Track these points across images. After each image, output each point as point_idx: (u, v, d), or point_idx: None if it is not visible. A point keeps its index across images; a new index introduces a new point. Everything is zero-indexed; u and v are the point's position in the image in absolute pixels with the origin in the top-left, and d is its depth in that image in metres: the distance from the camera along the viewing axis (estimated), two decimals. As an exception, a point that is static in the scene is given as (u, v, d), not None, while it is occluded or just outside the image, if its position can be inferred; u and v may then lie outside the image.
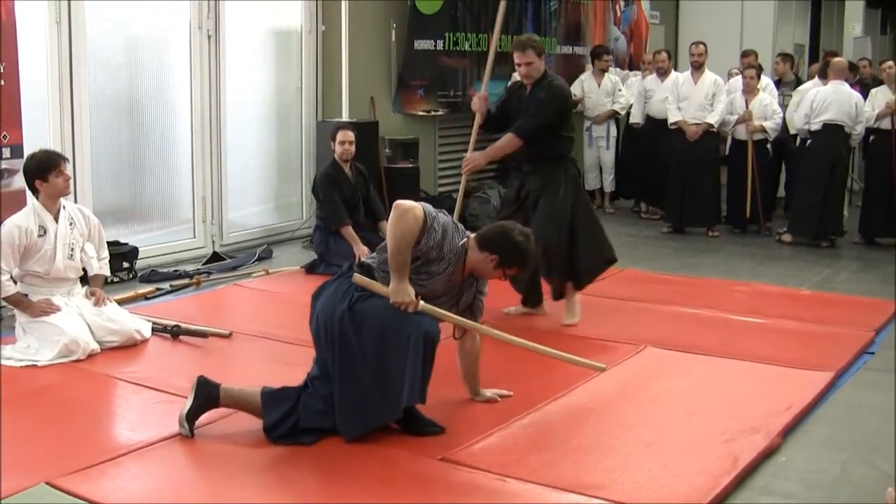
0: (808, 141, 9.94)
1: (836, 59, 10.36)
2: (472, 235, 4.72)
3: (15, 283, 5.89)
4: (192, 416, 4.53)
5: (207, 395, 4.56)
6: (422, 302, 4.51)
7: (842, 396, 5.42)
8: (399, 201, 4.49)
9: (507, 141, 6.64)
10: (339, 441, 4.47)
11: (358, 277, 4.52)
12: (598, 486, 4.09)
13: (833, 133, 9.69)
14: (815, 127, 9.76)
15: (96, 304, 6.04)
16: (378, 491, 4.06)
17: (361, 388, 4.46)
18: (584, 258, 6.71)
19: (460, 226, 4.72)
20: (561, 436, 4.67)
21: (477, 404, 5.04)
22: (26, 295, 5.88)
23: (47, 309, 5.82)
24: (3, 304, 6.13)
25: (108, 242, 7.32)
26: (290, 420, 4.51)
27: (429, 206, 4.52)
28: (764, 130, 10.36)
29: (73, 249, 6.01)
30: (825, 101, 9.70)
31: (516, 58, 6.65)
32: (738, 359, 5.93)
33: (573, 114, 6.88)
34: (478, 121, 6.85)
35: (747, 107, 10.36)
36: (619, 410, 5.09)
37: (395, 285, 4.45)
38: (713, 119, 10.35)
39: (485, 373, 5.15)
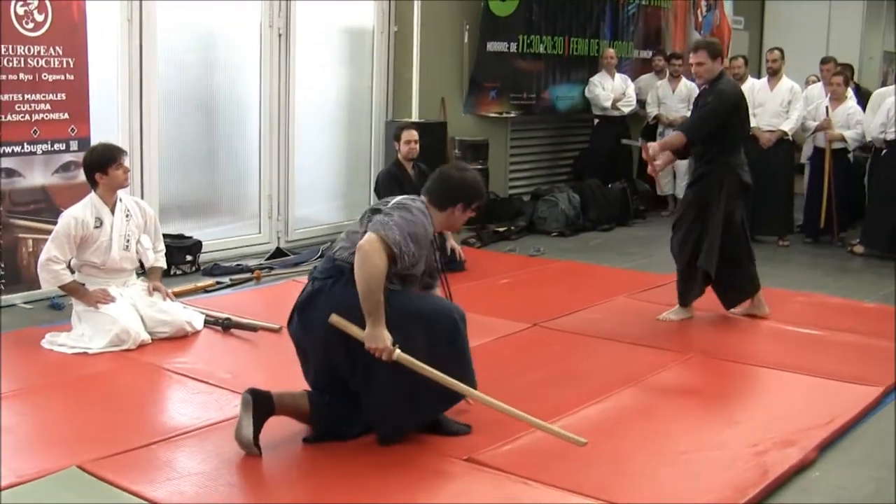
0: (884, 150, 9.72)
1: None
2: (425, 200, 4.61)
3: (72, 272, 6.04)
4: (257, 437, 4.33)
5: (265, 410, 4.37)
6: (398, 350, 4.30)
7: (889, 413, 5.28)
8: (361, 243, 4.27)
9: (675, 137, 6.88)
10: (363, 439, 4.50)
11: (335, 319, 4.31)
12: (619, 493, 4.07)
13: (912, 143, 9.48)
14: (892, 136, 9.54)
15: (163, 298, 6.19)
16: (400, 489, 4.08)
17: (411, 382, 4.38)
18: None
19: (423, 208, 4.53)
20: (593, 442, 4.58)
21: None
22: (83, 284, 6.04)
23: (102, 299, 5.97)
24: (61, 293, 6.29)
25: (171, 236, 7.53)
26: (330, 434, 4.53)
27: (393, 234, 4.28)
28: (843, 139, 10.17)
29: (128, 241, 6.15)
30: (903, 108, 9.49)
31: (690, 59, 6.88)
32: (786, 370, 5.82)
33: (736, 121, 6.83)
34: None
35: (827, 114, 10.17)
36: (656, 418, 5.03)
37: (370, 330, 4.27)
38: (787, 126, 10.19)
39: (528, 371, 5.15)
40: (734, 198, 6.80)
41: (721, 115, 6.66)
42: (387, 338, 4.26)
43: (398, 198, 4.61)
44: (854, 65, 12.95)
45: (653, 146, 6.99)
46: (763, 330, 6.76)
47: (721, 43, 14.21)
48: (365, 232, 4.35)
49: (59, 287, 6.06)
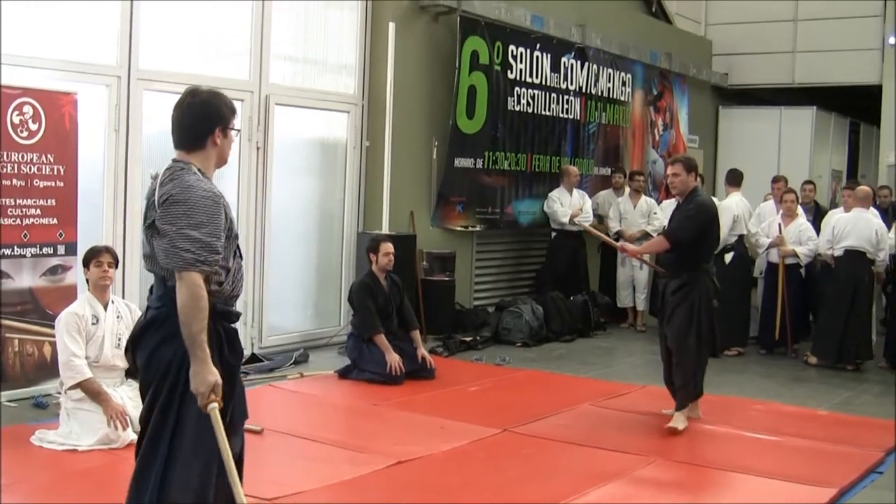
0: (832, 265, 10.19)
1: (860, 187, 10.65)
2: (181, 156, 4.01)
3: None
4: None
5: None
6: (216, 405, 3.66)
7: (844, 513, 5.59)
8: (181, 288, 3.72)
9: (658, 242, 7.60)
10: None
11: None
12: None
13: (855, 259, 9.95)
14: (838, 253, 10.02)
15: None
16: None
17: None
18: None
19: (187, 173, 3.90)
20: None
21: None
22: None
23: (119, 419, 6.06)
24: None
25: (151, 340, 7.69)
26: None
27: (185, 259, 3.72)
28: (796, 255, 10.57)
29: (119, 339, 6.36)
30: (846, 227, 9.98)
31: (668, 170, 7.49)
32: (745, 473, 6.12)
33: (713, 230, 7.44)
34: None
35: (780, 231, 10.59)
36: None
37: (193, 367, 3.68)
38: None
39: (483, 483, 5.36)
40: (711, 301, 7.27)
41: (702, 223, 7.20)
42: (211, 382, 3.66)
43: (160, 182, 3.92)
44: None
45: (633, 249, 7.89)
46: (723, 436, 7.04)
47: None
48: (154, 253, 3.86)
49: (81, 384, 6.12)
